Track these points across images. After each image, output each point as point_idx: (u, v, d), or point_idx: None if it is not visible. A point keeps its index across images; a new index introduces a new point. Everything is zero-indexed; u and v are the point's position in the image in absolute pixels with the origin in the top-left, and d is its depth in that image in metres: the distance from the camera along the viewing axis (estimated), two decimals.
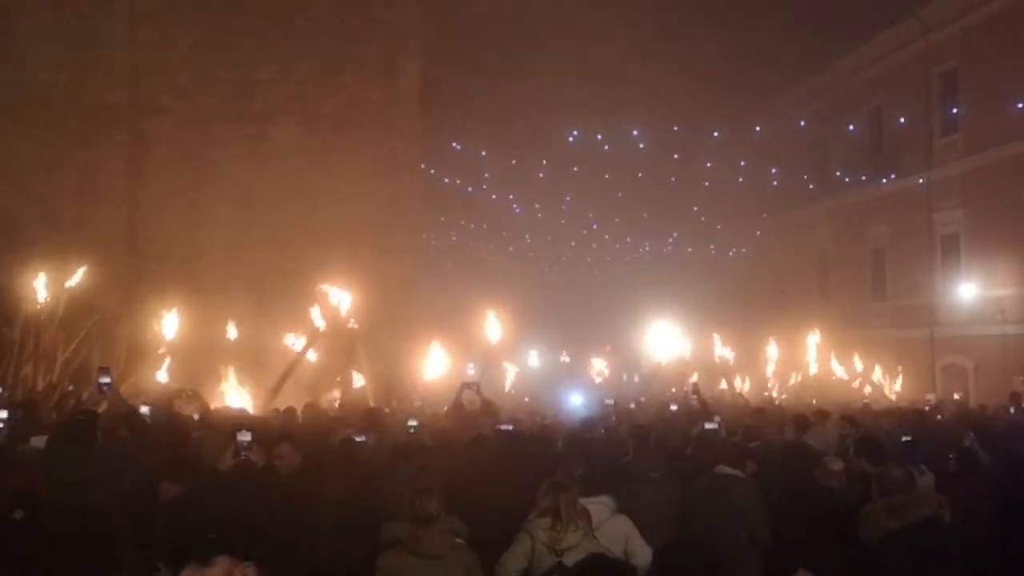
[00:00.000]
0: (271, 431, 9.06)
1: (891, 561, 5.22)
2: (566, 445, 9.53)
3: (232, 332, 17.44)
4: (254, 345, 18.10)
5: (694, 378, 17.94)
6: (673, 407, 16.01)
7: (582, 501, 6.38)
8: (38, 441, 8.32)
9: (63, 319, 15.78)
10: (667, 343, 22.32)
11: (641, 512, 7.03)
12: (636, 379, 26.91)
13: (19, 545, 5.53)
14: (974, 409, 17.33)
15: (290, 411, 12.51)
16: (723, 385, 21.23)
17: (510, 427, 9.48)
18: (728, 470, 7.50)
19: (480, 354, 15.77)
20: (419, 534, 5.68)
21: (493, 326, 15.06)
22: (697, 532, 7.21)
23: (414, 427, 9.64)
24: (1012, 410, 15.71)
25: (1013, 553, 6.68)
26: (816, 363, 23.61)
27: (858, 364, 23.83)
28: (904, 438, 9.24)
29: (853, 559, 5.45)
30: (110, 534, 5.81)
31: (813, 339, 23.62)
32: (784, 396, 19.92)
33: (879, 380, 23.07)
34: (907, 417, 13.24)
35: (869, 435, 9.51)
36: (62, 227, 20.48)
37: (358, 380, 15.62)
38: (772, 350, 23.74)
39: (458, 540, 5.90)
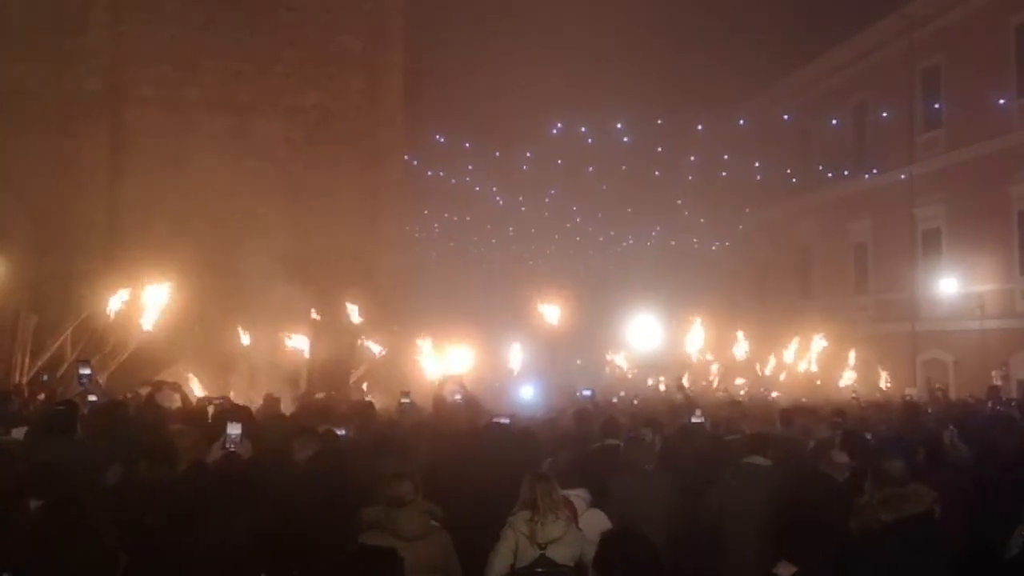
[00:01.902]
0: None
1: (884, 554, 5.22)
2: (541, 433, 9.56)
3: (245, 339, 17.76)
4: (232, 336, 18.13)
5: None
6: (635, 401, 16.20)
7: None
8: (18, 432, 8.26)
9: (44, 311, 15.63)
10: (649, 335, 22.40)
11: (633, 505, 7.03)
12: (618, 372, 26.98)
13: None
14: (956, 402, 17.44)
15: (273, 400, 12.48)
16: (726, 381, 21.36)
17: (506, 420, 9.47)
18: (760, 460, 7.49)
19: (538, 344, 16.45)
20: (392, 515, 5.81)
21: (551, 312, 15.62)
22: (728, 523, 7.15)
23: (407, 402, 10.41)
24: (990, 404, 15.84)
25: (986, 548, 6.69)
26: (801, 358, 23.76)
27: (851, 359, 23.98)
28: (866, 435, 9.21)
29: (844, 551, 5.45)
30: (90, 524, 5.75)
31: (818, 339, 23.78)
32: (767, 391, 19.95)
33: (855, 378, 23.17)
34: (895, 411, 13.33)
35: (853, 429, 9.52)
36: (42, 216, 20.30)
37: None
38: (743, 343, 23.90)
39: (433, 523, 6.00)
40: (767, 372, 23.29)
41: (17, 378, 14.58)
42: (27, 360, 14.95)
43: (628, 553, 4.52)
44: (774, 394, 19.62)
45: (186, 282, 17.11)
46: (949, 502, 6.71)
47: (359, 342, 17.76)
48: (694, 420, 10.24)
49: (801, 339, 24.37)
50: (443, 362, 15.93)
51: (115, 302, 15.13)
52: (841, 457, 7.51)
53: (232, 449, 6.96)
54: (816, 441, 9.07)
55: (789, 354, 23.96)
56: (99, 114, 21.48)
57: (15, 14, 21.08)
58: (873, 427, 11.18)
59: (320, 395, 14.36)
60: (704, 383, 21.68)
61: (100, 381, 12.56)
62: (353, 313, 17.60)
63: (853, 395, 18.62)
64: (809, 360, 23.63)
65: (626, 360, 25.02)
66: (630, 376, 24.15)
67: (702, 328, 22.35)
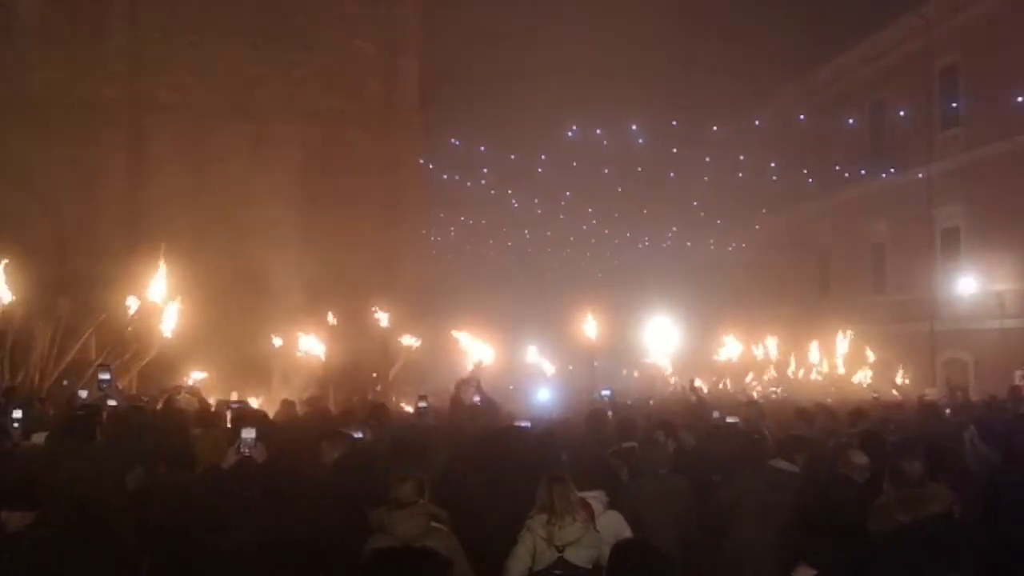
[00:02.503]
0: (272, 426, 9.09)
1: (902, 555, 5.20)
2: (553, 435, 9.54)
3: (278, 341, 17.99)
4: (251, 339, 18.24)
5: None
6: (651, 402, 16.28)
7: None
8: (38, 437, 8.31)
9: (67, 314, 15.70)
10: (666, 338, 22.36)
11: (648, 509, 7.01)
12: (636, 375, 26.93)
13: (19, 542, 5.51)
14: (976, 403, 17.31)
15: (289, 404, 12.53)
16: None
17: (527, 423, 9.45)
18: (784, 464, 7.45)
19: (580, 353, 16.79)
20: (391, 517, 5.80)
21: (590, 326, 15.96)
22: (747, 529, 7.12)
23: (424, 406, 10.56)
24: (1011, 404, 15.70)
25: (1011, 551, 6.63)
26: (825, 358, 23.68)
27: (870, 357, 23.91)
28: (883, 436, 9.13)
29: (862, 552, 5.42)
30: (112, 529, 5.79)
31: (842, 338, 23.68)
32: (782, 391, 19.90)
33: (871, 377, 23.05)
34: (912, 412, 13.26)
35: (872, 430, 9.47)
36: (63, 223, 20.45)
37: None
38: (772, 345, 23.83)
39: (435, 524, 5.93)
40: (789, 373, 23.22)
41: (39, 383, 14.67)
42: (50, 364, 15.03)
43: (639, 564, 4.51)
44: (774, 391, 19.63)
45: (206, 286, 17.23)
46: (963, 503, 6.70)
47: (396, 339, 18.07)
48: (728, 420, 10.25)
49: (821, 340, 24.29)
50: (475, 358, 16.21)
51: (133, 305, 15.23)
52: (860, 458, 7.41)
53: (247, 453, 6.98)
54: (835, 442, 9.02)
55: (813, 355, 23.87)
56: (118, 121, 21.64)
57: (35, 23, 21.24)
58: (890, 428, 11.15)
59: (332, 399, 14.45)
60: (722, 385, 21.62)
61: (120, 386, 12.65)
62: (382, 319, 17.77)
63: (874, 395, 18.54)
64: (833, 362, 23.51)
65: (669, 362, 24.89)
66: (672, 379, 24.07)
67: (728, 330, 22.30)
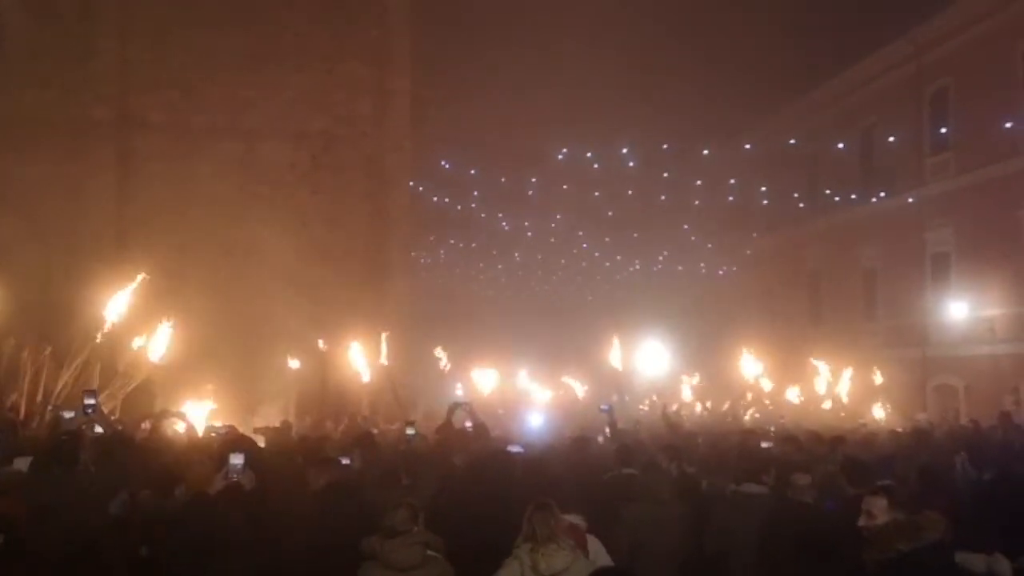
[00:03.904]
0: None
1: None
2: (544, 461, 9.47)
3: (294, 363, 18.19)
4: (240, 363, 18.12)
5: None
6: (636, 424, 16.33)
7: None
8: (21, 463, 8.17)
9: (53, 338, 15.53)
10: (657, 362, 22.30)
11: (647, 535, 6.95)
12: (627, 398, 26.83)
13: (1, 569, 5.41)
14: (966, 427, 17.31)
15: (286, 427, 12.46)
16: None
17: (520, 449, 9.37)
18: (755, 488, 7.40)
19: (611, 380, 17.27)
20: (385, 545, 5.80)
21: (617, 353, 16.05)
22: (721, 547, 7.09)
23: (413, 435, 10.47)
24: (1002, 431, 15.68)
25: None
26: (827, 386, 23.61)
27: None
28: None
29: None
30: (96, 556, 5.69)
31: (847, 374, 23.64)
32: (783, 418, 19.82)
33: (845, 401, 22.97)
34: (903, 438, 13.26)
35: (854, 456, 9.47)
36: (50, 244, 20.29)
37: None
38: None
39: (431, 552, 5.92)
40: (795, 398, 23.14)
41: (24, 407, 14.48)
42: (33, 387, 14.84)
43: None
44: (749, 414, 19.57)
45: (193, 308, 17.06)
46: (956, 529, 6.66)
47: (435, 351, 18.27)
48: (763, 445, 10.34)
49: (813, 366, 24.23)
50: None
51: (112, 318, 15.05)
52: (803, 479, 7.43)
53: (235, 479, 6.87)
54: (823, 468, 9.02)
55: (819, 383, 23.79)
56: (107, 141, 21.49)
57: (23, 42, 21.16)
58: (877, 452, 11.23)
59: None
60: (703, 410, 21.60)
61: (106, 411, 12.51)
62: (383, 352, 17.63)
63: (861, 423, 18.51)
64: (834, 392, 23.42)
65: (694, 388, 24.73)
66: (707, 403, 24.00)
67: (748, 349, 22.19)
